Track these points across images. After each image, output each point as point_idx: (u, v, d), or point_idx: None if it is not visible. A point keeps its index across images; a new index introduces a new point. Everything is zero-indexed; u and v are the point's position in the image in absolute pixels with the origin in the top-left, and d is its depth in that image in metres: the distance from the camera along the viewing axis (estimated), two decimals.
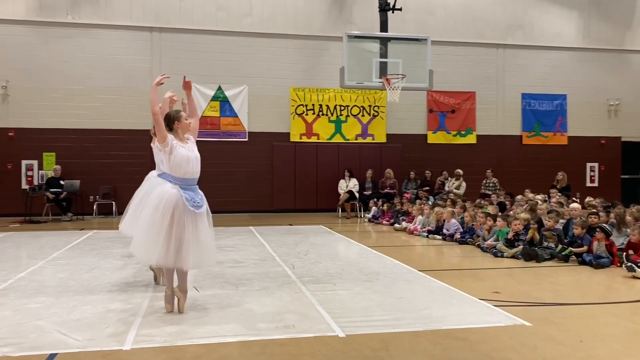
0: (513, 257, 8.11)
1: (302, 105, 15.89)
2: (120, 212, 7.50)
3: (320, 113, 16.05)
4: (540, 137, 17.43)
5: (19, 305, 5.30)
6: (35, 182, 14.29)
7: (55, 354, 3.93)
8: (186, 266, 4.97)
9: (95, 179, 14.46)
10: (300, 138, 15.90)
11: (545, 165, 16.62)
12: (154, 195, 5.04)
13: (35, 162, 14.51)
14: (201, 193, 5.11)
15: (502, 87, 17.20)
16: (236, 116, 15.46)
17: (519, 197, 12.28)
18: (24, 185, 14.25)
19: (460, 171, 14.69)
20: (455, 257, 8.59)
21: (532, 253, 7.91)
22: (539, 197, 12.04)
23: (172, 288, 5.10)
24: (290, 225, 12.53)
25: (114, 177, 14.46)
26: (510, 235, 8.39)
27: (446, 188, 14.65)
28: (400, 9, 12.75)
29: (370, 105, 16.32)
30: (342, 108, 16.20)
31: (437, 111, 16.82)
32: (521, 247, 8.12)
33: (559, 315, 5.01)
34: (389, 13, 13.25)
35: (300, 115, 15.88)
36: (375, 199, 13.85)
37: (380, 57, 12.15)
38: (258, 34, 15.54)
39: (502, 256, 8.23)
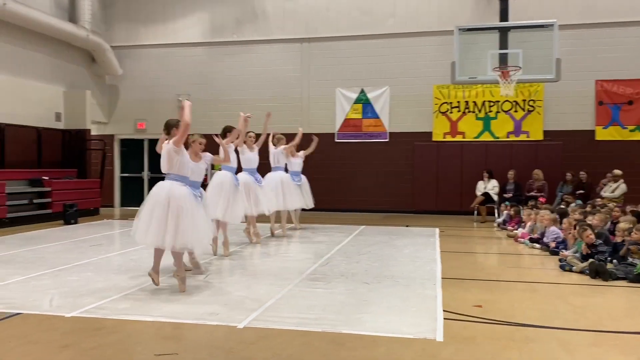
0: (582, 272, 6.99)
1: (446, 103, 15.40)
2: None
3: (467, 110, 15.32)
4: None
5: (66, 276, 6.71)
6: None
7: (18, 314, 5.05)
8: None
9: None
10: (444, 137, 15.42)
11: None
12: None
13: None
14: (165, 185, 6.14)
15: None
16: (378, 117, 15.74)
17: None
18: None
19: (618, 172, 12.58)
20: (515, 267, 7.70)
21: (599, 269, 6.72)
22: None
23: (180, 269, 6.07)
24: (407, 226, 12.40)
25: None
26: (583, 250, 7.23)
27: (602, 192, 12.70)
28: None
29: (524, 100, 14.98)
30: (492, 104, 15.21)
31: (609, 103, 14.60)
32: (590, 261, 6.95)
33: (493, 337, 4.42)
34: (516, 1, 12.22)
35: (444, 113, 15.41)
36: (506, 203, 12.74)
37: (500, 49, 11.26)
38: (401, 34, 15.58)
39: (570, 270, 7.15)
